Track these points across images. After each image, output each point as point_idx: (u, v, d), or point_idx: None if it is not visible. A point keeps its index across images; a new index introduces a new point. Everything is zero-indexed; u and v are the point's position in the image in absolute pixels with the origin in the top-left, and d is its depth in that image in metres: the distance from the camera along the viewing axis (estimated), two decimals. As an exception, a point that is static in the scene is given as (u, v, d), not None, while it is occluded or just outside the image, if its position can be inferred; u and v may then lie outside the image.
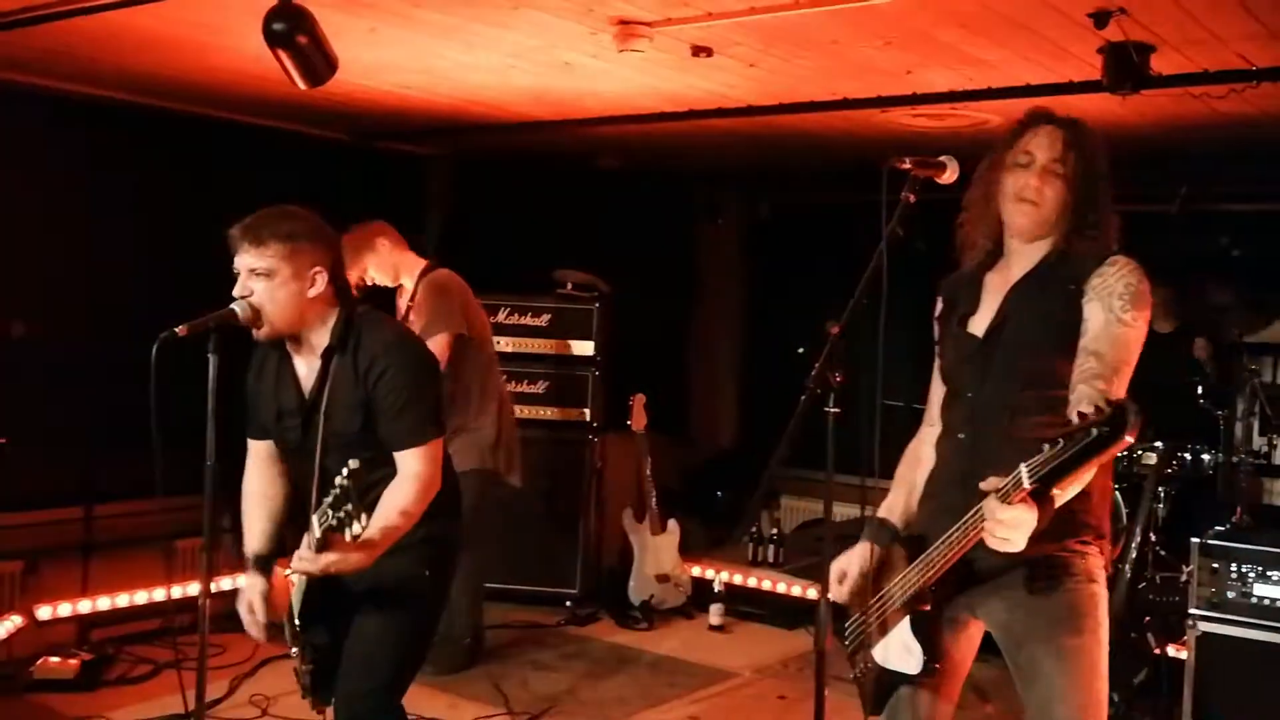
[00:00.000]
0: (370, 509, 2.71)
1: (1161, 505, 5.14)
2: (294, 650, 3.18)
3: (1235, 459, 5.23)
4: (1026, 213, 2.56)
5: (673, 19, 3.80)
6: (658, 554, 6.34)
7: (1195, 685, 4.28)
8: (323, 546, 2.65)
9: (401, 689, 3.09)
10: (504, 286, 6.22)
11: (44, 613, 5.13)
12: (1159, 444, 5.06)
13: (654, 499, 6.37)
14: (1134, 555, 4.89)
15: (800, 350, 5.84)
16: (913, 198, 2.53)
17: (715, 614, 6.13)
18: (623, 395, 6.45)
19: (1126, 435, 2.02)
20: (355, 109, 5.54)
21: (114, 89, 5.29)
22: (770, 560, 6.52)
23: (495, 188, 6.95)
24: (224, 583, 5.67)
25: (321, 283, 2.91)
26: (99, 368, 5.22)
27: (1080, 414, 2.08)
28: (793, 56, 4.25)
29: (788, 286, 7.74)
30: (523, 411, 6.28)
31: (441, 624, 5.25)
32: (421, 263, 5.08)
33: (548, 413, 6.42)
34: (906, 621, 2.58)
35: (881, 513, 2.78)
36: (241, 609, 3.11)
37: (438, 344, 4.76)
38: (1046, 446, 2.12)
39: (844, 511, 5.83)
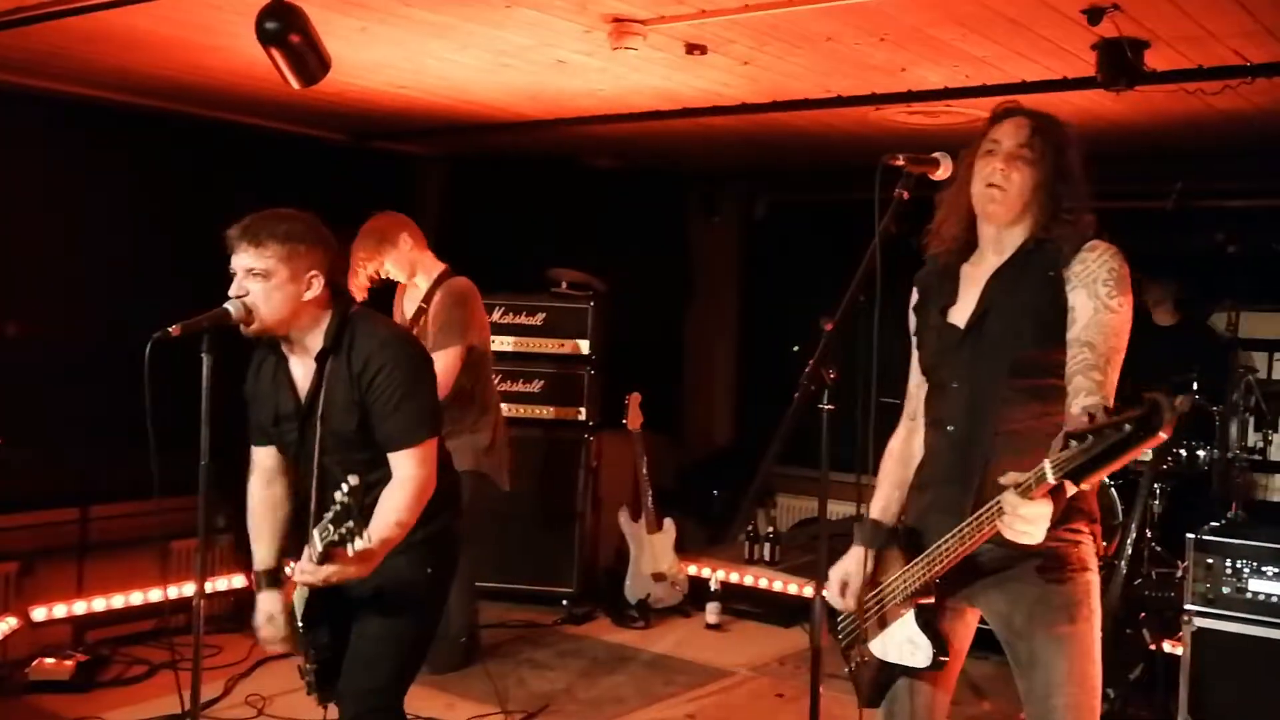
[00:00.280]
0: (371, 511, 2.72)
1: (1157, 501, 5.15)
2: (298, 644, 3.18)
3: (1230, 455, 5.24)
4: (995, 198, 2.56)
5: (666, 17, 3.80)
6: (654, 553, 6.34)
7: (1191, 680, 4.29)
8: (324, 560, 2.67)
9: (404, 688, 3.10)
10: (499, 285, 6.20)
11: (39, 614, 5.12)
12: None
13: (650, 498, 6.37)
14: (1129, 551, 4.88)
15: (796, 348, 5.83)
16: (907, 194, 2.53)
17: (712, 612, 6.14)
18: (618, 394, 6.44)
19: (1161, 432, 2.00)
20: (349, 108, 5.54)
21: (110, 90, 5.28)
22: (766, 558, 6.51)
23: (490, 187, 6.95)
24: (219, 583, 5.67)
25: (318, 286, 2.91)
26: (94, 368, 5.21)
27: (1107, 409, 2.06)
28: (787, 54, 4.25)
29: (783, 284, 7.74)
30: (518, 411, 6.29)
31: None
32: (439, 266, 5.04)
33: (543, 412, 6.42)
34: (910, 616, 2.58)
35: (873, 514, 2.78)
36: (262, 624, 3.10)
37: (451, 356, 4.77)
38: (1074, 442, 2.09)
39: (840, 509, 5.87)
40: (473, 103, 5.38)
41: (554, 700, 4.97)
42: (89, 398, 5.21)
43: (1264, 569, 4.20)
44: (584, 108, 5.40)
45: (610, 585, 6.37)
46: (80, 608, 5.25)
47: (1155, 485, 5.09)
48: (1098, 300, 2.45)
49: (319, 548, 2.64)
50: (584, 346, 6.44)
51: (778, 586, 6.27)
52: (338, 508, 2.54)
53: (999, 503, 2.28)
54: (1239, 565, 4.24)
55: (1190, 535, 4.40)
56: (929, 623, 2.57)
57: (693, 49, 4.16)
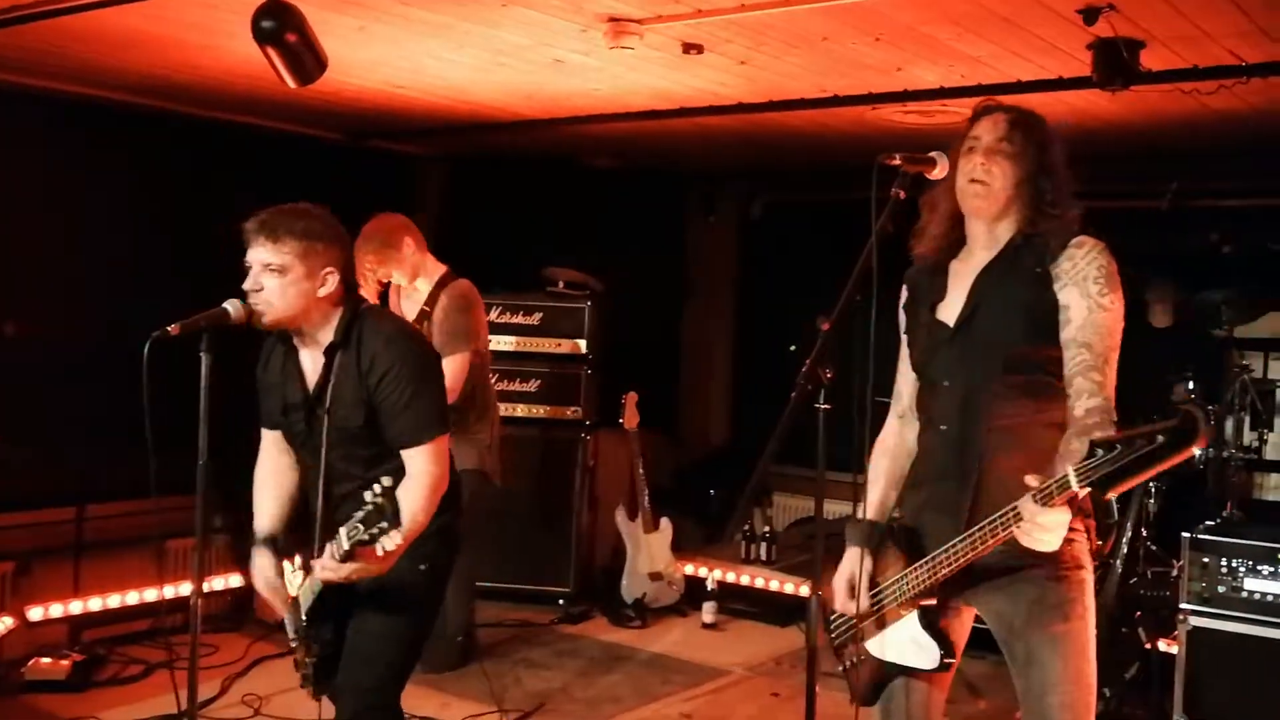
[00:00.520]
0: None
1: (1152, 500, 5.16)
2: (294, 643, 3.19)
3: (1225, 454, 5.24)
4: (978, 192, 2.56)
5: (663, 16, 3.80)
6: (650, 552, 6.34)
7: (1186, 679, 4.29)
8: (347, 558, 2.69)
9: (401, 684, 3.11)
10: (497, 285, 6.21)
11: (35, 613, 5.12)
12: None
13: (646, 497, 6.37)
14: (1125, 550, 4.90)
15: (792, 348, 5.83)
16: (903, 194, 2.53)
17: (708, 612, 6.14)
18: (615, 393, 6.44)
19: (1196, 445, 1.99)
20: (346, 108, 5.54)
21: (106, 89, 5.28)
22: (763, 558, 6.52)
23: (487, 186, 6.95)
24: (216, 583, 5.67)
25: (333, 283, 2.93)
26: (91, 368, 5.21)
27: (1124, 419, 2.06)
28: (783, 54, 4.26)
29: (780, 284, 7.74)
30: (515, 410, 6.29)
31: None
32: (441, 268, 5.03)
33: (540, 411, 6.42)
34: (914, 617, 2.57)
35: (868, 513, 2.77)
36: (260, 585, 3.12)
37: (459, 361, 4.76)
38: (1100, 451, 2.08)
39: (836, 509, 5.87)
40: (470, 102, 5.38)
41: (550, 700, 4.97)
42: (87, 397, 5.21)
43: (1259, 568, 4.21)
44: (581, 107, 5.40)
45: (607, 584, 6.37)
46: (77, 607, 5.25)
47: (1150, 484, 5.09)
48: (1090, 299, 2.45)
49: (345, 546, 2.66)
50: (581, 346, 6.44)
51: (774, 586, 6.28)
52: (370, 508, 2.56)
53: (1016, 509, 2.27)
54: (1234, 564, 4.25)
55: (1186, 534, 4.41)
56: (933, 624, 2.56)
57: (689, 49, 4.17)
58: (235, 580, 5.69)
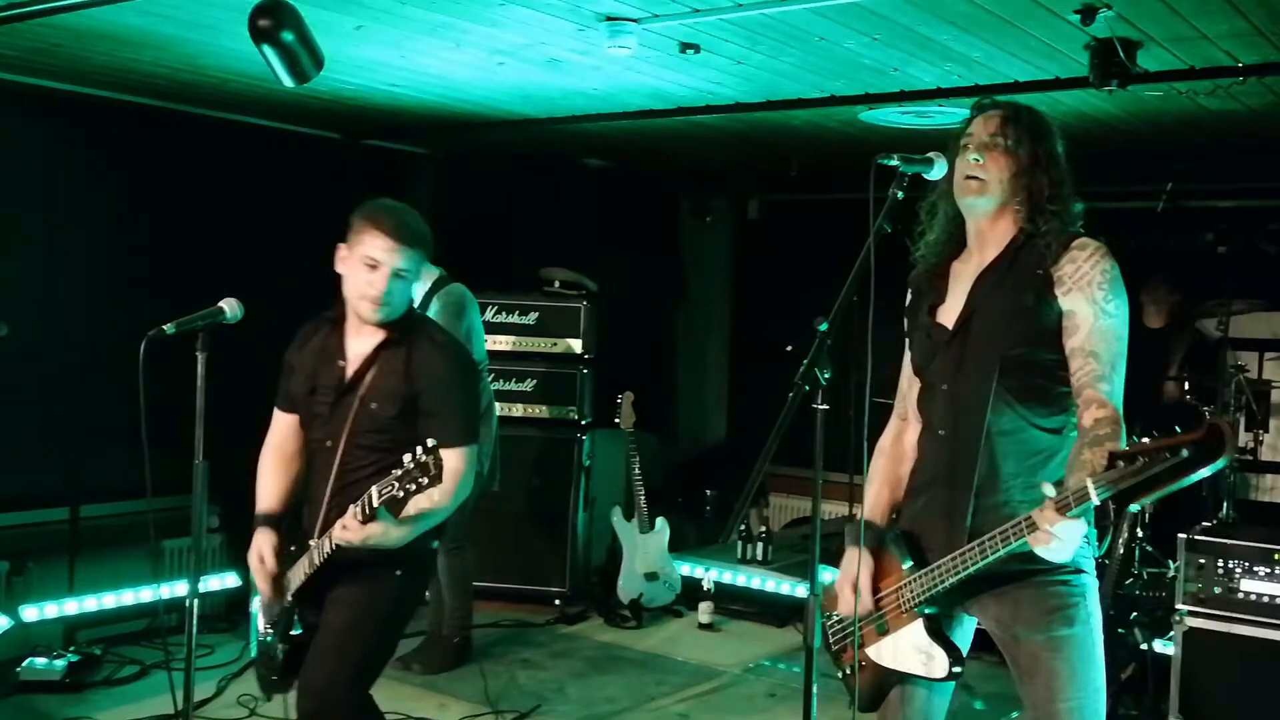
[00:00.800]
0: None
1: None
2: (268, 629, 3.23)
3: (1221, 455, 5.24)
4: (972, 188, 2.53)
5: (660, 15, 3.80)
6: (647, 552, 6.33)
7: (1182, 680, 4.30)
8: (370, 518, 2.81)
9: (366, 682, 3.13)
10: (492, 285, 6.21)
11: (31, 613, 5.10)
12: (1144, 440, 5.06)
13: (642, 497, 6.36)
14: (1121, 551, 4.90)
15: (788, 348, 5.83)
16: (900, 194, 2.49)
17: (704, 612, 6.14)
18: (611, 393, 6.44)
19: (1221, 459, 1.97)
20: (342, 106, 5.53)
21: (102, 87, 5.27)
22: (759, 558, 6.51)
23: (483, 185, 6.94)
24: (212, 583, 5.65)
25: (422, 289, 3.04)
26: (86, 367, 5.19)
27: (1155, 431, 2.03)
28: (780, 53, 4.25)
29: (776, 284, 7.75)
30: (511, 410, 6.29)
31: (431, 623, 5.31)
32: (434, 271, 4.99)
33: (536, 411, 6.41)
34: (919, 626, 2.54)
35: (866, 514, 2.74)
36: (252, 559, 3.17)
37: None
38: (1121, 462, 2.06)
39: (833, 509, 5.85)
40: (467, 101, 5.37)
41: (546, 700, 4.96)
42: (82, 395, 5.20)
43: (1255, 569, 4.21)
44: (577, 106, 5.40)
45: (603, 585, 6.37)
46: (72, 607, 5.23)
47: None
48: (1096, 306, 2.42)
49: (374, 503, 2.76)
50: (576, 346, 6.44)
51: (770, 586, 6.27)
52: (411, 466, 2.68)
53: (1030, 518, 2.25)
54: (1230, 565, 4.26)
55: (1181, 535, 4.41)
56: (939, 632, 2.53)
57: (686, 48, 4.16)
58: (231, 580, 5.68)
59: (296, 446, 3.28)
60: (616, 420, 6.39)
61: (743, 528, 6.65)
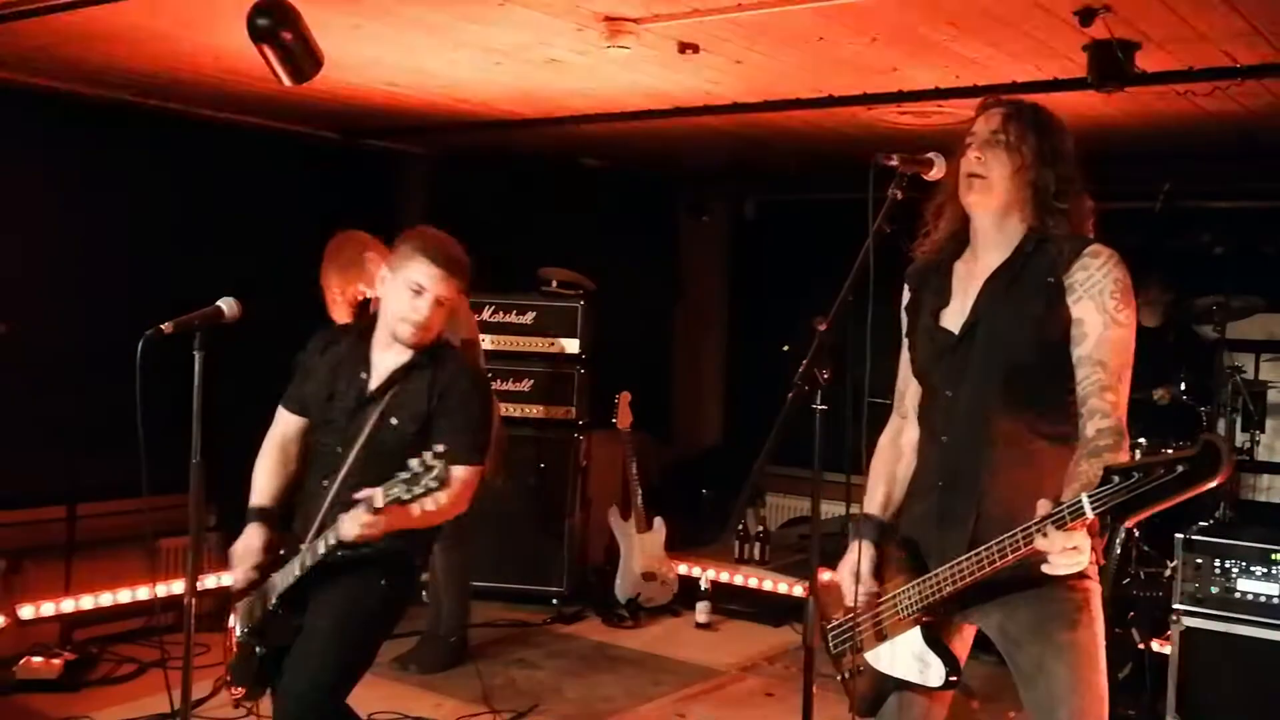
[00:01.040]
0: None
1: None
2: (243, 630, 3.26)
3: (1218, 455, 5.25)
4: (975, 186, 2.49)
5: (660, 15, 3.80)
6: (644, 552, 6.33)
7: (1179, 680, 4.30)
8: (376, 513, 2.80)
9: (344, 690, 3.14)
10: (489, 284, 6.20)
11: (27, 612, 5.10)
12: (1141, 441, 5.08)
13: (640, 496, 6.37)
14: (1118, 551, 4.90)
15: (785, 348, 5.84)
16: (900, 194, 2.46)
17: (702, 611, 6.14)
18: (608, 393, 6.44)
19: (1217, 478, 1.95)
20: (341, 106, 5.52)
21: (99, 87, 5.26)
22: (756, 558, 6.52)
23: (481, 185, 6.93)
24: (209, 581, 5.65)
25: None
26: (83, 366, 5.19)
27: (1151, 449, 2.03)
28: (779, 53, 4.25)
29: (773, 284, 7.74)
30: (508, 410, 6.28)
31: (428, 623, 5.30)
32: None
33: (533, 411, 6.41)
34: (917, 633, 2.51)
35: (867, 509, 2.71)
36: (237, 550, 3.20)
37: None
38: (1116, 478, 2.03)
39: (830, 509, 5.85)
40: (465, 101, 5.37)
41: (543, 700, 4.96)
42: (79, 394, 5.19)
43: (1252, 569, 4.22)
44: (576, 107, 5.40)
45: (600, 584, 6.36)
46: (69, 606, 5.23)
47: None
48: (1106, 315, 2.37)
49: (379, 504, 2.76)
50: (573, 346, 6.44)
51: (768, 586, 6.28)
52: (419, 468, 2.68)
53: (1029, 530, 2.19)
54: (1227, 565, 4.26)
55: (1179, 535, 4.42)
56: (937, 640, 2.51)
57: (685, 48, 4.16)
58: (228, 579, 5.67)
59: (298, 449, 3.28)
60: (613, 420, 6.40)
61: (740, 527, 6.65)
